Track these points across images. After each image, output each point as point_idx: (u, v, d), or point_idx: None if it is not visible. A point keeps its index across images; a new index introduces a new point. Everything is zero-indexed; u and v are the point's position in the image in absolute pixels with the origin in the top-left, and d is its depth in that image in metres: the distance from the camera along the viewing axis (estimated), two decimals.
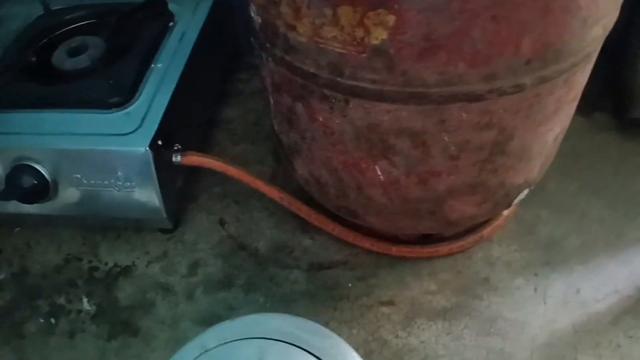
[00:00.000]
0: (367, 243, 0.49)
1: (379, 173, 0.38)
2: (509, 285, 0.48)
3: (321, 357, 0.32)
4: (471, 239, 0.49)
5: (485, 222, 0.50)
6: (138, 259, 0.53)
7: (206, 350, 0.33)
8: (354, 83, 0.33)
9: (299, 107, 0.38)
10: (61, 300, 0.51)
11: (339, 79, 0.33)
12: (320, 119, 0.37)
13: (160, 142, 0.46)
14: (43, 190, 0.46)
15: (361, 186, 0.40)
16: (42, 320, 0.49)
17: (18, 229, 0.56)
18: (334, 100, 0.35)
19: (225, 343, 0.33)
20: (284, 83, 0.38)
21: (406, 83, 0.31)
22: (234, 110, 0.68)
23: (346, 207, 0.44)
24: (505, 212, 0.50)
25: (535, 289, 0.47)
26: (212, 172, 0.58)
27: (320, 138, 0.39)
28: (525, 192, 0.44)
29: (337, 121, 0.36)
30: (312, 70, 0.34)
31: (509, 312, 0.46)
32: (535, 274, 0.48)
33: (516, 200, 0.44)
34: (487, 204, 0.41)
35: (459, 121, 0.33)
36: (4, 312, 0.50)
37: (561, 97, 0.35)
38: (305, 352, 0.32)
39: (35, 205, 0.49)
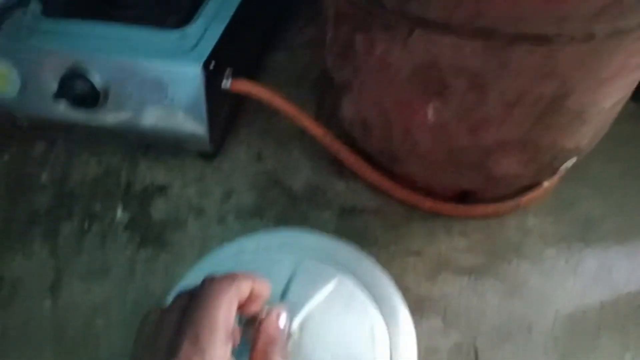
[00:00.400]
0: (401, 193, 0.48)
1: (430, 116, 0.38)
2: (540, 254, 0.47)
3: (354, 276, 0.33)
4: (508, 205, 0.48)
5: (524, 191, 0.49)
6: (175, 180, 0.54)
7: (242, 253, 0.33)
8: (420, 13, 0.32)
9: (358, 38, 0.38)
10: (96, 208, 0.52)
11: (405, 7, 0.33)
12: (379, 52, 0.37)
13: (212, 65, 0.46)
14: (93, 96, 0.47)
15: (409, 129, 0.40)
16: (76, 224, 0.51)
17: (62, 137, 0.58)
18: (396, 31, 0.34)
19: (261, 250, 0.34)
20: (347, 12, 0.38)
21: (475, 16, 0.31)
22: (281, 57, 0.67)
23: (389, 152, 0.44)
24: (546, 184, 0.49)
25: (567, 261, 0.47)
26: (256, 110, 0.58)
27: (375, 73, 0.38)
28: (573, 160, 0.43)
29: (396, 54, 0.35)
30: None
31: (537, 281, 0.46)
32: (569, 248, 0.47)
33: (562, 167, 0.43)
34: (533, 165, 0.41)
35: (522, 65, 0.32)
36: (42, 212, 0.52)
37: (631, 56, 0.34)
38: (338, 269, 0.33)
39: (83, 113, 0.50)
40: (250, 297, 0.26)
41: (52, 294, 0.47)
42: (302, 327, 0.30)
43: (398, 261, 0.47)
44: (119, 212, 0.52)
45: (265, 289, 0.27)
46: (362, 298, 0.32)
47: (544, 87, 0.34)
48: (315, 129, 0.48)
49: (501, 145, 0.38)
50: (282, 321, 0.28)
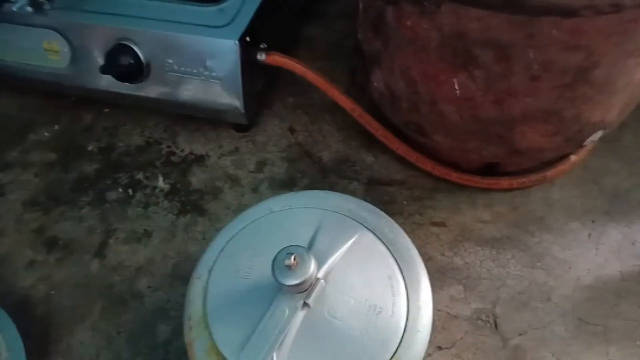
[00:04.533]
0: (428, 165, 0.50)
1: (456, 87, 0.39)
2: (563, 227, 0.48)
3: (374, 232, 0.35)
4: (533, 177, 0.49)
5: (551, 165, 0.50)
6: (212, 150, 0.57)
7: (271, 212, 0.36)
8: None
9: (389, 11, 0.39)
10: (139, 176, 0.56)
11: None
12: (408, 24, 0.38)
13: (248, 38, 0.49)
14: (138, 70, 0.50)
15: (435, 100, 0.41)
16: (121, 191, 0.55)
17: (108, 110, 0.61)
18: (426, 4, 0.35)
19: (289, 209, 0.36)
20: None
21: None
22: (317, 29, 0.69)
23: (416, 123, 0.45)
24: (573, 158, 0.50)
25: (590, 235, 0.47)
26: (289, 84, 0.61)
27: (404, 46, 0.40)
28: (599, 133, 0.43)
29: (424, 26, 0.37)
30: None
31: (559, 251, 0.47)
32: (593, 221, 0.48)
33: (588, 140, 0.44)
34: (558, 137, 0.42)
35: (549, 37, 0.33)
36: (91, 180, 0.56)
37: None
38: (359, 225, 0.35)
39: (128, 85, 0.53)
40: None
41: (100, 254, 0.51)
42: (327, 275, 0.33)
43: (423, 231, 0.49)
44: (161, 181, 0.55)
45: None
46: (381, 250, 0.34)
47: (570, 60, 0.35)
48: (345, 102, 0.49)
49: (526, 117, 0.39)
50: None
